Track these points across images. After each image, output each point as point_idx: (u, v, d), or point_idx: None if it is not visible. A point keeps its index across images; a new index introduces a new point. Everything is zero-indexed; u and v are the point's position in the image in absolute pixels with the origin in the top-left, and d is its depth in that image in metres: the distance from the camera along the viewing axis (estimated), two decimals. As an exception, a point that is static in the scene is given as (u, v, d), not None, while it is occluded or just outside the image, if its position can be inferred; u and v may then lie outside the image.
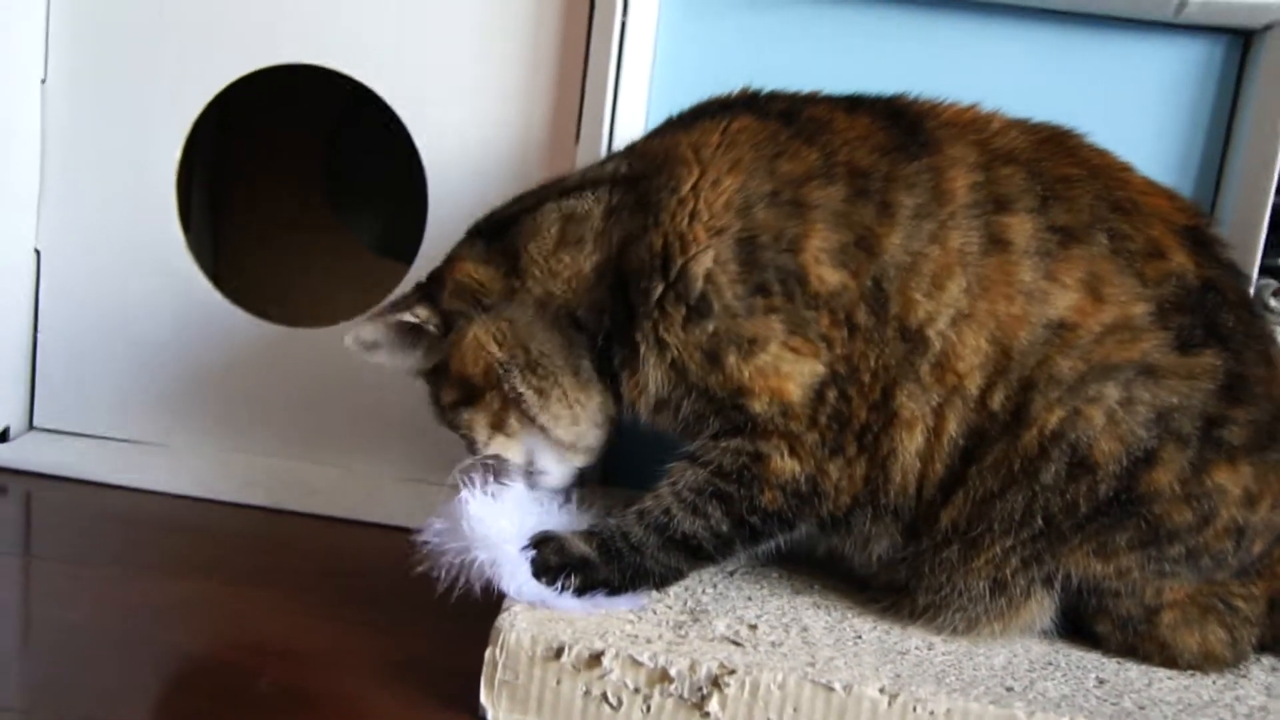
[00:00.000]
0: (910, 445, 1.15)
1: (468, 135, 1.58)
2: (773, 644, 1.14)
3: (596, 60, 1.50)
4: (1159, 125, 1.50)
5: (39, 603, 1.33)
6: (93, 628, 1.25)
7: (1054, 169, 1.17)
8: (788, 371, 1.14)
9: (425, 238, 1.60)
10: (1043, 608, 1.18)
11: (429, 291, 1.25)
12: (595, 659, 1.09)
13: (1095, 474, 1.13)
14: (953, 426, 1.14)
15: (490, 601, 1.16)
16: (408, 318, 1.24)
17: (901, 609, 1.21)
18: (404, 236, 1.98)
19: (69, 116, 1.63)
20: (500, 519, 1.17)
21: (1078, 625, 1.21)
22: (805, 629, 1.18)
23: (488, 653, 1.11)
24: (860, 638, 1.18)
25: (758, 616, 1.20)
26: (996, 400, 1.13)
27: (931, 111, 1.21)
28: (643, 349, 1.17)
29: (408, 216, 1.96)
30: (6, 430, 1.66)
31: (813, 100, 1.24)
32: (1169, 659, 1.18)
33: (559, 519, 1.26)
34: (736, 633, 1.16)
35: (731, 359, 1.14)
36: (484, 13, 1.56)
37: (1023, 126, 1.21)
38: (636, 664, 1.09)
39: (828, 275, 1.13)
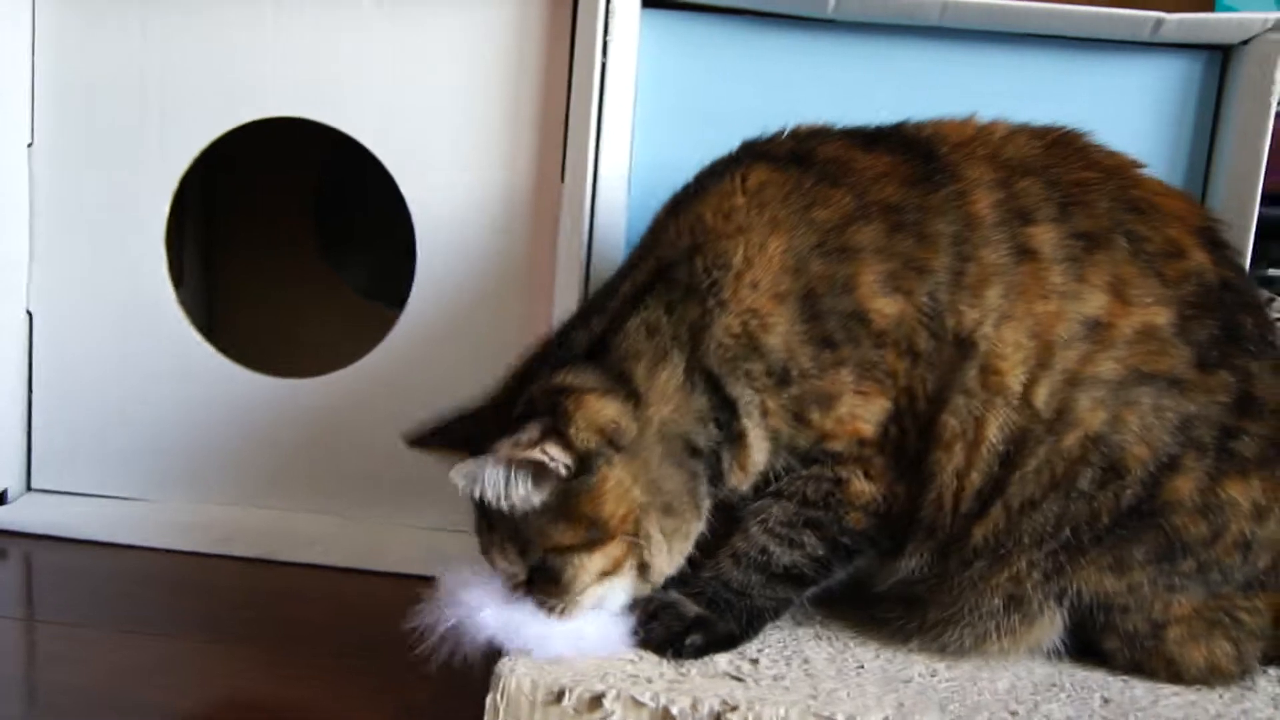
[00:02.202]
0: (949, 465, 1.15)
1: (454, 179, 1.59)
2: (774, 678, 1.14)
3: (579, 99, 1.51)
4: (1143, 143, 1.50)
5: (43, 668, 1.33)
6: (95, 690, 1.24)
7: (1068, 174, 1.18)
8: (861, 414, 1.15)
9: (415, 285, 1.61)
10: (1053, 625, 1.18)
11: (553, 425, 1.11)
12: (596, 701, 1.09)
13: (1124, 479, 1.14)
14: (992, 431, 1.14)
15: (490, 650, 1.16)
16: (538, 456, 1.10)
17: (910, 623, 1.21)
18: (392, 280, 2.00)
19: (56, 178, 1.64)
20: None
21: (1083, 643, 1.20)
22: (807, 661, 1.18)
23: (489, 699, 1.11)
24: (863, 667, 1.17)
25: (759, 650, 1.19)
26: (1040, 396, 1.13)
27: (938, 136, 1.20)
28: (750, 433, 1.15)
29: (394, 260, 1.98)
30: (4, 492, 1.66)
31: (821, 137, 1.23)
32: (1175, 674, 1.18)
33: None
34: (738, 668, 1.15)
35: (815, 416, 1.15)
36: (466, 59, 1.57)
37: (1028, 131, 1.21)
38: (638, 704, 1.08)
39: (885, 307, 1.13)
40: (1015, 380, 1.13)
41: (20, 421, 1.68)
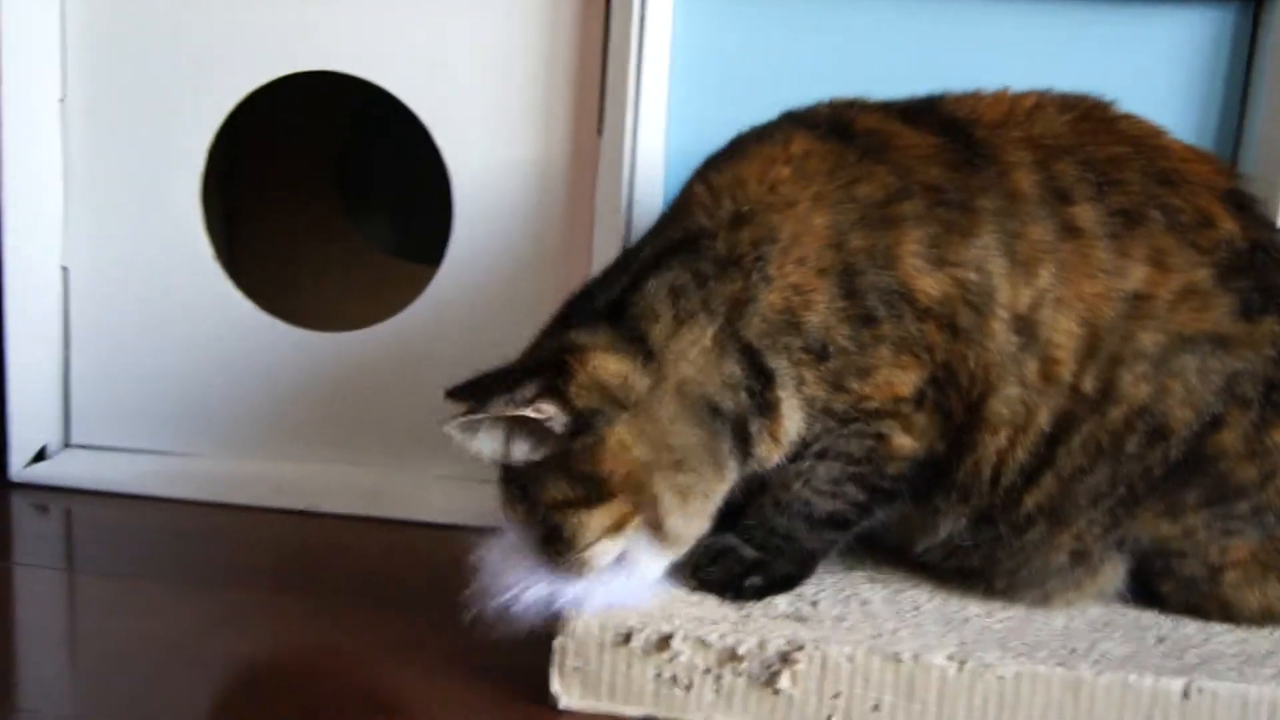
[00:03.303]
0: (991, 445, 1.17)
1: (491, 134, 1.59)
2: (835, 618, 1.16)
3: (616, 53, 1.52)
4: (1175, 97, 1.51)
5: (105, 620, 1.34)
6: (150, 641, 1.25)
7: (1100, 151, 1.18)
8: (899, 381, 1.15)
9: (452, 239, 1.61)
10: (1116, 573, 1.20)
11: (551, 383, 1.10)
12: (664, 642, 1.11)
13: (1169, 440, 1.15)
14: (1042, 418, 1.15)
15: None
16: (529, 414, 1.10)
17: (972, 593, 1.23)
18: (416, 237, 2.01)
19: (89, 133, 1.64)
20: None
21: (1143, 588, 1.22)
22: (865, 602, 1.20)
23: (557, 641, 1.13)
24: (919, 608, 1.19)
25: (817, 593, 1.21)
26: (1088, 383, 1.15)
27: (974, 117, 1.21)
28: (784, 403, 1.15)
29: (421, 218, 1.98)
30: (44, 449, 1.66)
31: (860, 109, 1.23)
32: (1229, 617, 1.20)
33: None
34: (798, 609, 1.17)
35: (854, 384, 1.15)
36: (503, 12, 1.57)
37: (1055, 104, 1.22)
38: (705, 645, 1.10)
39: (929, 286, 1.13)
40: (1068, 372, 1.15)
41: (58, 377, 1.68)
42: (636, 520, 1.13)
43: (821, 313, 1.13)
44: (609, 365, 1.12)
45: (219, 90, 1.61)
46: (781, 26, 1.54)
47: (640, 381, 1.12)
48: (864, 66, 1.54)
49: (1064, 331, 1.14)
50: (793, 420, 1.17)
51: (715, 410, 1.15)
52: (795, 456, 1.19)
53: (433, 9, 1.58)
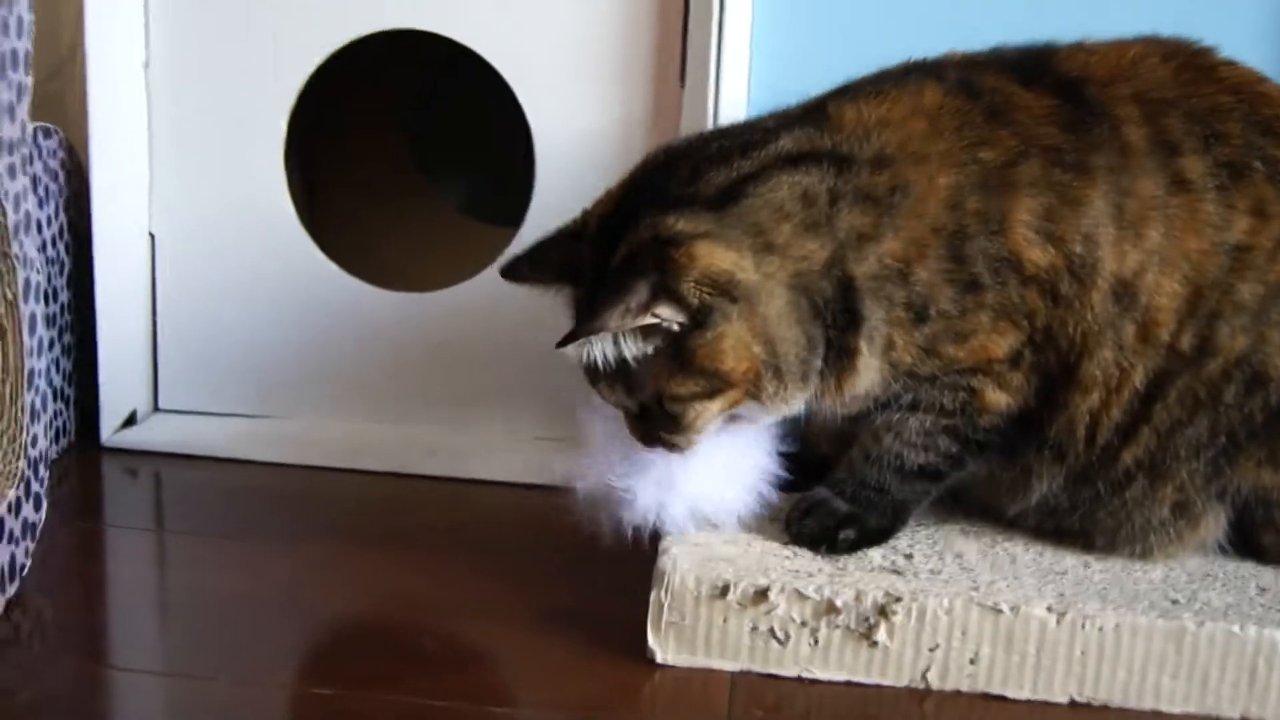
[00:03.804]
0: (1083, 404, 1.16)
1: (573, 92, 1.59)
2: (931, 571, 1.15)
3: (698, 8, 1.50)
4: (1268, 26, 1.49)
5: (179, 577, 1.38)
6: (239, 598, 1.28)
7: (1203, 102, 1.17)
8: (995, 345, 1.14)
9: (534, 199, 1.61)
10: (1217, 523, 1.19)
11: (662, 282, 1.08)
12: (761, 595, 1.11)
13: (1268, 387, 1.14)
14: (1137, 377, 1.15)
15: (632, 550, 1.18)
16: (649, 320, 1.08)
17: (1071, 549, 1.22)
18: (491, 198, 2.01)
19: (173, 98, 1.64)
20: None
21: (1243, 539, 1.21)
22: (960, 555, 1.19)
23: (653, 595, 1.13)
24: (1015, 560, 1.19)
25: (910, 545, 1.21)
26: (1185, 341, 1.14)
27: (1085, 74, 1.19)
28: (864, 353, 1.14)
29: (495, 178, 1.98)
30: (134, 414, 1.68)
31: (982, 67, 1.21)
32: None
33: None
34: (893, 562, 1.17)
35: (949, 349, 1.14)
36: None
37: (1159, 52, 1.20)
38: (802, 597, 1.10)
39: (1037, 256, 1.12)
40: (1167, 332, 1.14)
41: (146, 343, 1.69)
42: (744, 405, 1.14)
43: (931, 268, 1.12)
44: (718, 256, 1.09)
45: (300, 52, 1.61)
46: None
47: (751, 273, 1.10)
48: (955, 9, 1.52)
49: (1167, 294, 1.13)
50: (866, 379, 1.16)
51: (818, 313, 1.13)
52: (885, 405, 1.19)
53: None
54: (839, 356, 1.14)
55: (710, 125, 1.48)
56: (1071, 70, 1.20)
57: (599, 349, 1.10)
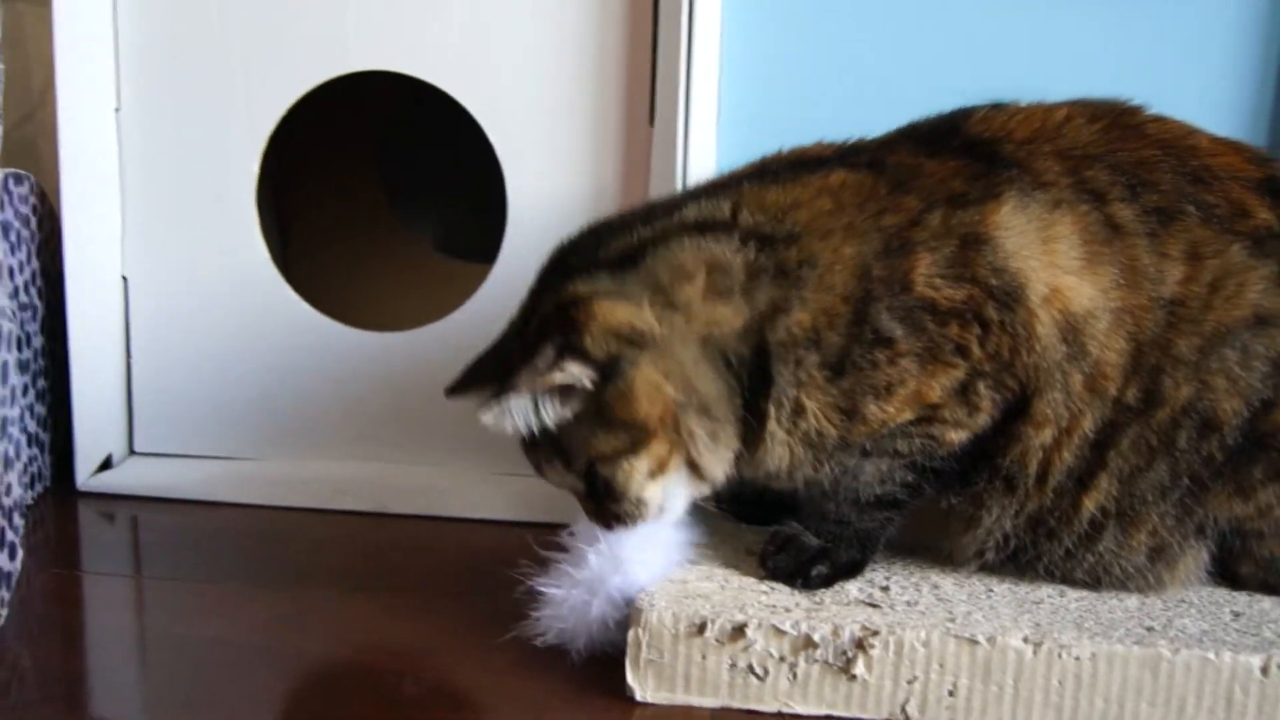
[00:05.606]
0: (1035, 438, 1.16)
1: (543, 129, 1.60)
2: (908, 603, 1.16)
3: (666, 42, 1.52)
4: (1226, 74, 1.51)
5: (158, 622, 1.36)
6: (219, 643, 1.27)
7: (1130, 156, 1.18)
8: (928, 387, 1.14)
9: (507, 238, 1.62)
10: (1198, 560, 1.20)
11: (565, 340, 1.11)
12: (738, 631, 1.11)
13: (1221, 430, 1.15)
14: (1087, 424, 1.15)
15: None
16: (559, 379, 1.11)
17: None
18: (466, 235, 2.01)
19: (145, 142, 1.65)
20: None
21: (1223, 572, 1.22)
22: (936, 586, 1.20)
23: (630, 633, 1.13)
24: (992, 591, 1.19)
25: (887, 578, 1.21)
26: (1130, 395, 1.15)
27: (1003, 134, 1.20)
28: (771, 419, 1.15)
29: (469, 215, 1.99)
30: (109, 458, 1.68)
31: (891, 145, 1.23)
32: None
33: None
34: (870, 595, 1.17)
35: (872, 408, 1.14)
36: (555, 4, 1.58)
37: (1084, 113, 1.22)
38: (780, 633, 1.10)
39: (950, 294, 1.13)
40: (1114, 386, 1.15)
41: (120, 387, 1.69)
42: (677, 459, 1.15)
43: (842, 333, 1.13)
44: (618, 310, 1.12)
45: (272, 94, 1.62)
46: (830, 15, 1.54)
47: (656, 325, 1.12)
48: (911, 56, 1.54)
49: (1115, 350, 1.14)
50: (775, 453, 1.16)
51: (730, 366, 1.14)
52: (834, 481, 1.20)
53: (480, 4, 1.58)
54: (750, 418, 1.15)
55: (680, 163, 1.49)
56: (984, 132, 1.21)
57: (520, 415, 1.13)
